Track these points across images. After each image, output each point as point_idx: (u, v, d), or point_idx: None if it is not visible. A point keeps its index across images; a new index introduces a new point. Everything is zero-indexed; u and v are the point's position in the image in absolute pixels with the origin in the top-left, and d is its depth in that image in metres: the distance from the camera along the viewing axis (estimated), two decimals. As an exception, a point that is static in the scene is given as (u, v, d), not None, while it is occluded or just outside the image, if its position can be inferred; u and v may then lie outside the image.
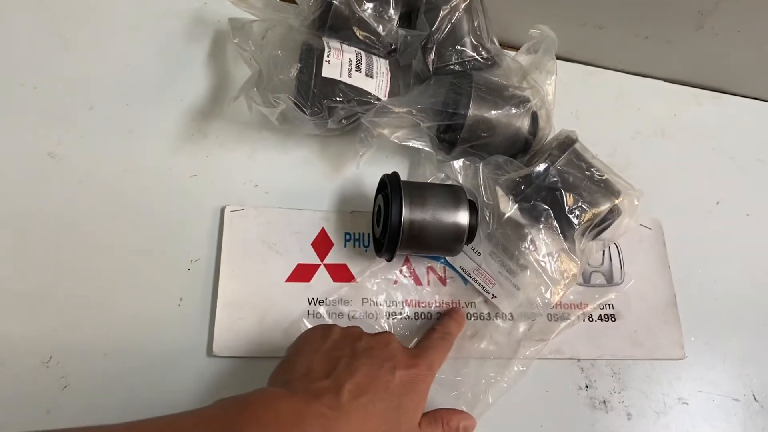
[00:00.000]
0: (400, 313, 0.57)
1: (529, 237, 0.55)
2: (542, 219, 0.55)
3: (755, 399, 0.60)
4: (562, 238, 0.55)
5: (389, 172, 0.55)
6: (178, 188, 0.58)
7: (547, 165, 0.55)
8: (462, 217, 0.52)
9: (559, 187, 0.54)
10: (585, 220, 0.55)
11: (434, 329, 0.53)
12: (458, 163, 0.60)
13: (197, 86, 0.62)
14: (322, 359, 0.43)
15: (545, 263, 0.55)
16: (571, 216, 0.54)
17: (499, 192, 0.56)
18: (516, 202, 0.55)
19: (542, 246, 0.55)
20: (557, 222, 0.55)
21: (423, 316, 0.57)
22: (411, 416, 0.44)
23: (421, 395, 0.45)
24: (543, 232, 0.55)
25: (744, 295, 0.65)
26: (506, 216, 0.55)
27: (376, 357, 0.44)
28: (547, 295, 0.55)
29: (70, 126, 0.58)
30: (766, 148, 0.75)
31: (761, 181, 0.73)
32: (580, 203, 0.55)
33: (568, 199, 0.54)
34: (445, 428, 0.47)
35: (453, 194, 0.53)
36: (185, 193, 0.58)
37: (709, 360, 0.61)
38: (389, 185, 0.53)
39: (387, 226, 0.51)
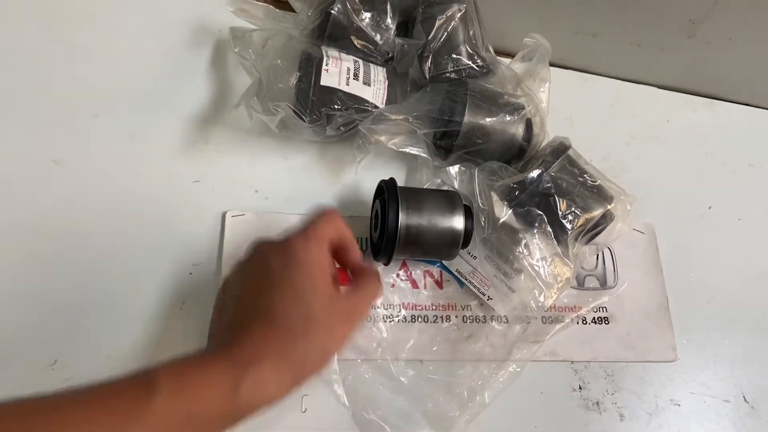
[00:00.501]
0: (397, 316, 0.58)
1: (523, 242, 0.56)
2: (536, 224, 0.56)
3: (745, 400, 0.62)
4: (555, 242, 0.56)
5: (386, 177, 0.57)
6: (181, 194, 0.59)
7: (540, 171, 0.56)
8: (458, 222, 0.54)
9: (553, 193, 0.56)
10: (578, 225, 0.56)
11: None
12: (454, 169, 0.61)
13: (199, 94, 0.64)
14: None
15: (539, 267, 0.56)
16: (564, 221, 0.56)
17: (494, 197, 0.57)
18: (510, 208, 0.57)
19: (536, 250, 0.56)
20: (551, 227, 0.56)
21: (420, 319, 0.58)
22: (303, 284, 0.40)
23: (298, 260, 0.40)
24: (537, 236, 0.56)
25: (735, 298, 0.66)
26: (501, 221, 0.56)
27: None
28: (541, 299, 0.56)
29: (74, 133, 0.59)
30: (758, 154, 0.76)
31: (753, 185, 0.74)
32: (573, 209, 0.56)
33: (561, 205, 0.56)
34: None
35: (449, 200, 0.55)
36: (187, 199, 0.59)
37: (701, 362, 0.63)
38: (386, 191, 0.54)
39: (384, 231, 0.53)
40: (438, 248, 0.55)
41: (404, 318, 0.58)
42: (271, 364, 0.36)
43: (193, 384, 0.33)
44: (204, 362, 0.35)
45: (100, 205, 0.57)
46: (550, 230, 0.56)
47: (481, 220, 0.58)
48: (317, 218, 0.44)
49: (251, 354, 0.36)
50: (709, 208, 0.71)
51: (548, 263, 0.57)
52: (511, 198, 0.57)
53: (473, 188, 0.59)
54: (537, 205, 0.56)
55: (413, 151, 0.60)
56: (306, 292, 0.39)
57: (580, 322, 0.61)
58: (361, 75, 0.60)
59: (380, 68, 0.62)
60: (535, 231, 0.56)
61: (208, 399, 0.34)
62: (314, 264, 0.40)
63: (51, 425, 0.30)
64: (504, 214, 0.56)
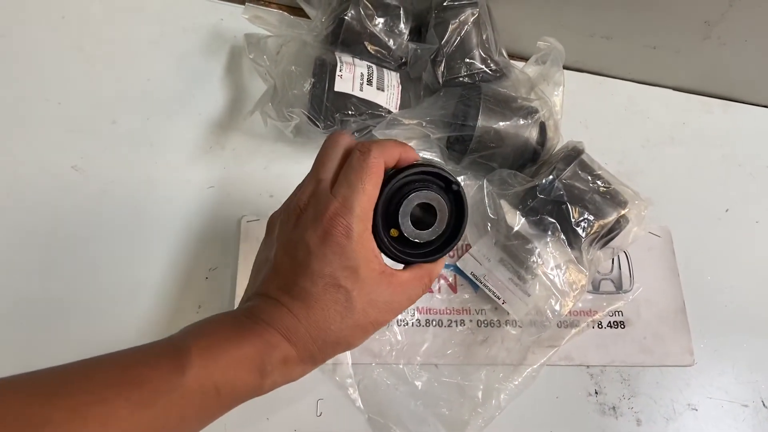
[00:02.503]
0: (411, 320, 0.58)
1: (537, 251, 0.56)
2: (549, 232, 0.56)
3: (764, 405, 0.61)
4: (569, 249, 0.56)
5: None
6: (197, 199, 0.60)
7: (552, 178, 0.56)
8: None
9: (565, 200, 0.55)
10: (592, 232, 0.56)
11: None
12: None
13: (214, 100, 0.64)
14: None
15: (554, 276, 0.56)
16: (577, 228, 0.55)
17: (506, 206, 0.57)
18: (523, 216, 0.57)
19: (550, 259, 0.56)
20: (564, 234, 0.56)
21: (434, 323, 0.59)
22: (347, 268, 0.36)
23: (343, 246, 0.36)
24: (550, 244, 0.56)
25: (753, 301, 0.66)
26: (514, 230, 0.56)
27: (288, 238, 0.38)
28: (557, 307, 0.56)
29: (93, 140, 0.60)
30: (776, 156, 0.75)
31: (771, 188, 0.73)
32: (586, 215, 0.56)
33: (574, 212, 0.55)
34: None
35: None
36: (203, 204, 0.60)
37: (719, 366, 0.62)
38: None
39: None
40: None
41: (418, 322, 0.58)
42: (300, 347, 0.36)
43: (223, 360, 0.34)
44: (235, 337, 0.35)
45: (117, 210, 0.58)
46: (564, 238, 0.56)
47: (488, 229, 0.58)
48: (357, 174, 0.37)
49: (282, 335, 0.36)
50: (726, 210, 0.71)
51: (563, 271, 0.56)
52: (523, 206, 0.57)
53: (482, 197, 0.59)
54: (549, 213, 0.56)
55: (427, 155, 0.61)
56: (345, 278, 0.36)
57: (596, 326, 0.61)
58: (374, 80, 0.60)
59: (393, 73, 0.63)
60: (548, 239, 0.56)
61: (236, 376, 0.34)
62: (356, 246, 0.36)
63: (80, 396, 0.30)
64: (517, 223, 0.56)
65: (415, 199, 0.39)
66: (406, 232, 0.40)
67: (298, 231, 0.38)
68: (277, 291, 0.37)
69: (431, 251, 0.42)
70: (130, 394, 0.31)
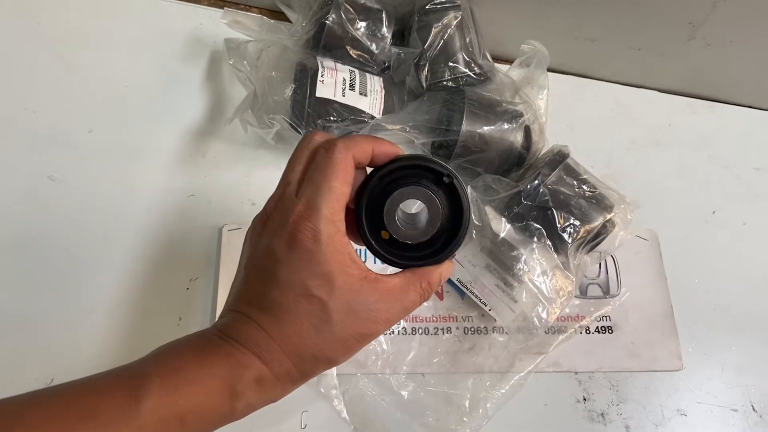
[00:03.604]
0: (397, 328, 0.57)
1: (523, 258, 0.56)
2: (535, 238, 0.55)
3: (754, 409, 0.60)
4: (555, 255, 0.55)
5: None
6: (177, 208, 0.59)
7: (537, 183, 0.56)
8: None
9: (551, 206, 0.55)
10: (578, 237, 0.55)
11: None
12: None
13: (194, 107, 0.63)
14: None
15: (540, 283, 0.56)
16: (563, 234, 0.55)
17: (491, 213, 0.56)
18: (509, 223, 0.56)
19: (536, 266, 0.55)
20: (550, 240, 0.55)
21: (420, 331, 0.58)
22: (320, 276, 0.33)
23: (311, 251, 0.33)
24: (536, 251, 0.56)
25: (741, 304, 0.65)
26: (500, 237, 0.56)
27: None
28: (544, 315, 0.55)
29: (69, 149, 0.59)
30: (762, 157, 0.75)
31: (757, 189, 0.73)
32: (571, 220, 0.55)
33: (560, 218, 0.55)
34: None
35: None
36: (183, 213, 0.59)
37: (707, 370, 0.61)
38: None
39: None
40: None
41: (404, 330, 0.58)
42: (275, 365, 0.33)
43: (187, 386, 0.31)
44: (201, 360, 0.33)
45: (96, 220, 0.57)
46: (550, 243, 0.55)
47: (473, 235, 0.57)
48: (322, 172, 0.34)
49: (253, 353, 0.33)
50: (713, 212, 0.70)
51: (549, 278, 0.56)
52: (508, 212, 0.56)
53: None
54: (535, 219, 0.55)
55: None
56: (317, 287, 0.33)
57: (584, 331, 0.60)
58: (357, 85, 0.59)
59: (376, 78, 0.62)
60: (534, 245, 0.56)
61: (203, 403, 0.32)
62: (327, 250, 0.33)
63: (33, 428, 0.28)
64: (503, 229, 0.56)
65: (400, 197, 0.36)
66: (395, 234, 0.36)
67: (264, 239, 0.35)
68: (246, 306, 0.35)
69: (430, 253, 0.37)
70: (76, 428, 0.29)
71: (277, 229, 0.34)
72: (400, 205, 0.36)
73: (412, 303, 0.36)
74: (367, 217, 0.36)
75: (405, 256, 0.37)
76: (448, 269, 0.38)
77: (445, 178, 0.36)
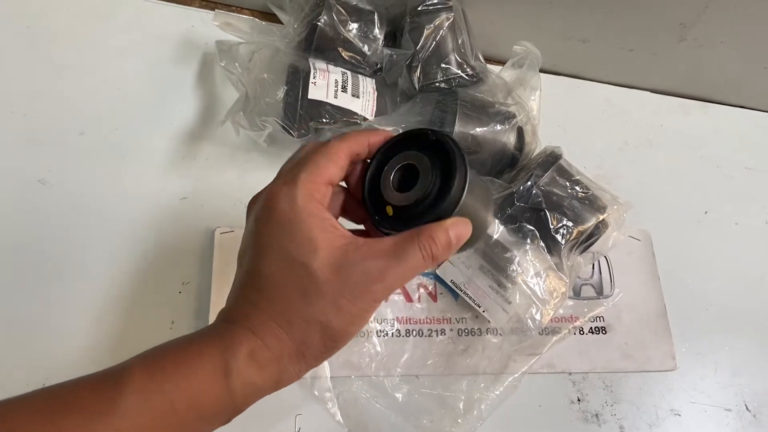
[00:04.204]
0: (391, 331, 0.57)
1: (516, 259, 0.56)
2: (528, 240, 0.55)
3: (747, 409, 0.61)
4: (549, 256, 0.55)
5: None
6: (169, 211, 0.58)
7: (530, 184, 0.56)
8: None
9: (544, 207, 0.55)
10: (571, 238, 0.55)
11: None
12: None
13: (186, 109, 0.63)
14: None
15: (534, 284, 0.55)
16: (557, 235, 0.55)
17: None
18: (502, 224, 0.56)
19: (530, 267, 0.55)
20: (543, 241, 0.55)
21: (414, 333, 0.58)
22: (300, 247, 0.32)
23: (288, 215, 0.33)
24: (530, 252, 0.55)
25: (734, 304, 0.66)
26: (494, 238, 0.55)
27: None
28: (537, 316, 0.55)
29: (60, 152, 0.59)
30: (754, 156, 0.75)
31: (749, 189, 0.73)
32: (564, 222, 0.55)
33: (553, 219, 0.55)
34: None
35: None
36: (176, 216, 0.58)
37: (701, 370, 0.62)
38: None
39: None
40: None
41: (398, 332, 0.57)
42: (268, 337, 0.32)
43: (174, 367, 0.31)
44: (190, 344, 0.32)
45: (87, 224, 0.56)
46: (543, 245, 0.55)
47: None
48: (307, 150, 0.36)
49: (245, 328, 0.32)
50: (706, 212, 0.71)
51: (543, 279, 0.56)
52: (501, 214, 0.56)
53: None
54: (528, 220, 0.55)
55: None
56: (298, 251, 0.32)
57: (578, 332, 0.60)
58: (349, 87, 0.59)
59: (369, 79, 0.62)
60: (527, 247, 0.55)
61: (194, 384, 0.30)
62: (304, 214, 0.32)
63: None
64: (496, 231, 0.55)
65: (393, 165, 0.36)
66: (392, 201, 0.36)
67: (249, 219, 0.36)
68: (239, 288, 0.35)
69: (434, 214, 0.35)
70: (58, 421, 0.28)
71: (257, 203, 0.35)
72: (394, 173, 0.37)
73: (413, 260, 0.33)
74: (371, 198, 0.37)
75: (412, 225, 0.35)
76: (456, 226, 0.35)
77: (430, 135, 0.36)
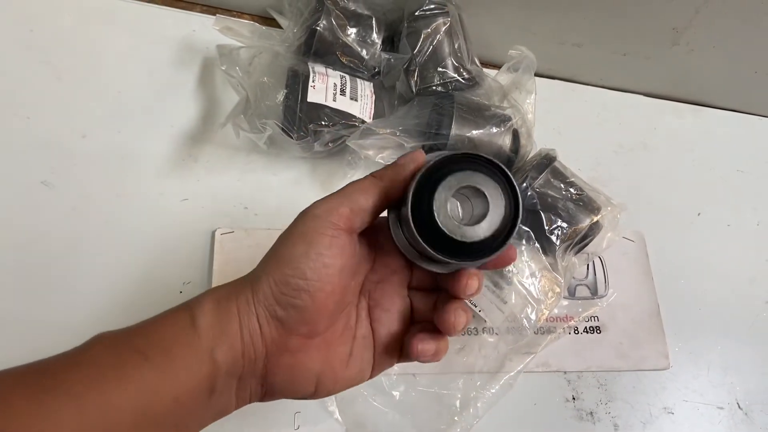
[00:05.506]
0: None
1: (512, 261, 0.56)
2: (524, 241, 0.56)
3: (739, 407, 0.61)
4: (544, 257, 0.56)
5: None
6: (170, 212, 0.59)
7: (525, 186, 0.57)
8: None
9: (539, 208, 0.56)
10: (566, 239, 0.56)
11: None
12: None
13: (187, 112, 0.64)
14: None
15: (529, 285, 0.56)
16: (551, 236, 0.56)
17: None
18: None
19: (525, 268, 0.56)
20: (538, 242, 0.56)
21: (411, 333, 0.58)
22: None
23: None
24: (525, 253, 0.56)
25: (726, 304, 0.67)
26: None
27: None
28: (533, 316, 0.56)
29: (63, 154, 0.59)
30: (746, 159, 0.77)
31: (741, 191, 0.74)
32: (559, 223, 0.56)
33: (547, 221, 0.56)
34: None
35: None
36: (176, 217, 0.59)
37: (694, 369, 0.63)
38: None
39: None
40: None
41: (396, 332, 0.58)
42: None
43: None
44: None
45: (89, 225, 0.57)
46: (538, 245, 0.56)
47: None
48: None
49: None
50: (699, 214, 0.72)
51: (538, 279, 0.57)
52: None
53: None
54: (523, 222, 0.56)
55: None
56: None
57: (572, 332, 0.61)
58: (347, 90, 0.60)
59: (367, 83, 0.63)
60: (523, 248, 0.56)
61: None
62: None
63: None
64: None
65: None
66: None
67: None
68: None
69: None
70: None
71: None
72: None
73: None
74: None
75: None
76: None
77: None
